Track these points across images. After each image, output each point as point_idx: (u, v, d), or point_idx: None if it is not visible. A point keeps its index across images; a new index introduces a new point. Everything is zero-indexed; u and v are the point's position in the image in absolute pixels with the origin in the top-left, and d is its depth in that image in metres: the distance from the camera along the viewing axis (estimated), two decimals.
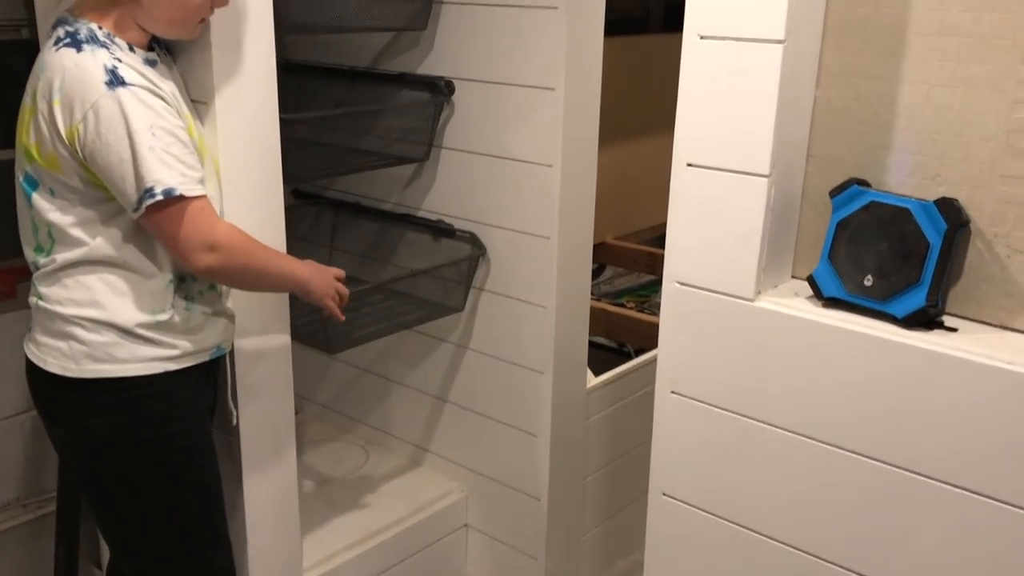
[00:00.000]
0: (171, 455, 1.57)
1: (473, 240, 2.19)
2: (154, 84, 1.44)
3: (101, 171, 1.41)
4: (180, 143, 1.43)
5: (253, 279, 1.60)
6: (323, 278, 1.70)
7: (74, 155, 1.42)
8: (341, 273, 1.76)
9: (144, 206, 1.40)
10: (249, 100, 1.66)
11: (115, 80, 1.38)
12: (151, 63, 1.50)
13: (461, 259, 2.20)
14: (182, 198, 1.42)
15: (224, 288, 1.65)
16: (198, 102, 1.62)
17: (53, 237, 1.49)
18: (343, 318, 1.75)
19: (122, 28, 1.47)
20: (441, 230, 2.24)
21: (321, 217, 2.50)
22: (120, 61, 1.41)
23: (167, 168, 1.40)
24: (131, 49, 1.47)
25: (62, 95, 1.40)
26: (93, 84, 1.38)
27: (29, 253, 1.54)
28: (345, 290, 1.75)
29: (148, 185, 1.39)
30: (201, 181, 1.46)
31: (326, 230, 2.50)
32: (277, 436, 1.84)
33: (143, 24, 1.48)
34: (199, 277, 1.54)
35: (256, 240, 1.57)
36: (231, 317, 1.66)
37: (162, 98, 1.44)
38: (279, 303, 1.79)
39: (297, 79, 2.32)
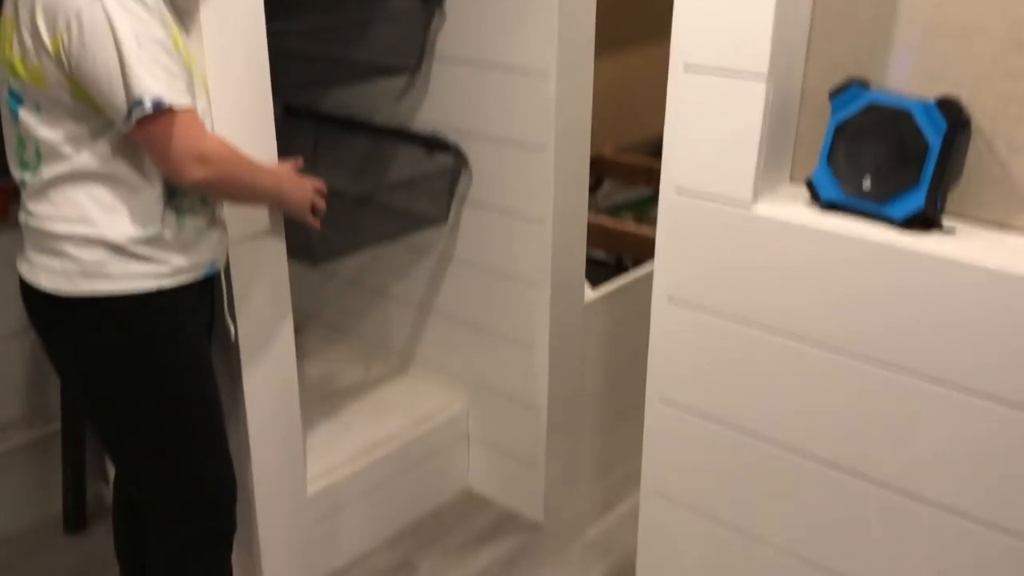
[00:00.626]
0: (169, 372, 1.57)
1: (454, 151, 2.17)
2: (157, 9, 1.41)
3: (88, 82, 1.38)
4: (166, 52, 1.40)
5: (240, 191, 1.60)
6: (301, 191, 1.71)
7: (60, 67, 1.38)
8: (321, 185, 1.76)
9: (134, 118, 1.38)
10: (235, 10, 1.62)
11: None
12: None
13: (440, 171, 2.17)
14: (171, 110, 1.39)
15: (216, 202, 1.63)
16: (184, 13, 1.58)
17: (40, 153, 1.46)
18: (318, 227, 1.76)
19: None
20: (425, 141, 2.21)
21: (310, 131, 2.47)
22: None
23: (154, 79, 1.37)
24: None
25: (44, 4, 1.36)
26: None
27: (16, 171, 1.52)
28: (322, 203, 1.76)
29: (137, 96, 1.36)
30: (187, 92, 1.43)
31: (315, 145, 2.47)
32: (276, 350, 1.85)
33: None
34: (189, 190, 1.52)
35: (241, 152, 1.55)
36: (224, 231, 1.65)
37: (145, 4, 1.39)
38: (274, 213, 1.77)
39: None
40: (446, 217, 2.25)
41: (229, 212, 1.67)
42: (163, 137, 1.41)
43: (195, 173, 1.44)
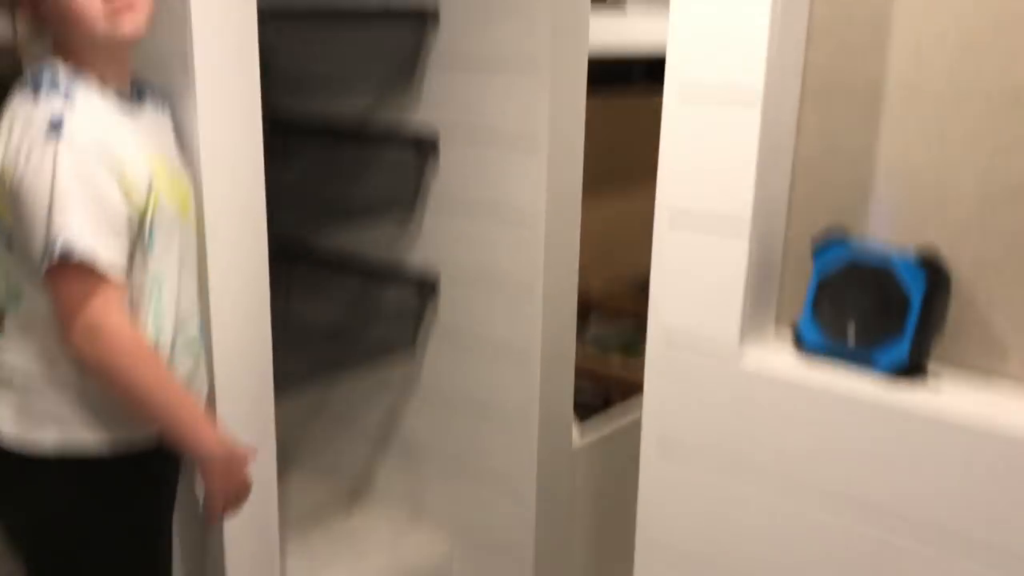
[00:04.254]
0: (122, 535, 1.49)
1: (419, 284, 2.23)
2: (107, 138, 1.37)
3: (17, 222, 1.34)
4: (106, 208, 1.34)
5: (125, 391, 1.40)
6: (230, 467, 1.49)
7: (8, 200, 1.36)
8: (251, 458, 1.55)
9: (47, 263, 1.31)
10: (232, 155, 1.67)
11: (56, 130, 1.31)
12: (129, 109, 1.46)
13: (406, 301, 2.23)
14: (87, 266, 1.32)
15: (189, 367, 1.55)
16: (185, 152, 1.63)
17: (9, 292, 1.43)
18: (215, 522, 1.60)
19: (85, 62, 1.41)
20: (409, 278, 2.26)
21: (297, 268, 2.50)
22: (73, 109, 1.34)
23: (82, 229, 1.31)
24: (100, 88, 1.42)
25: (8, 139, 1.35)
26: (35, 131, 1.32)
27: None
28: (248, 487, 1.54)
29: (55, 241, 1.29)
30: (118, 255, 1.36)
31: (309, 282, 2.50)
32: (258, 492, 1.81)
33: (81, 51, 1.40)
34: (68, 355, 1.40)
35: (156, 362, 1.42)
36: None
37: (110, 153, 1.36)
38: (262, 357, 1.78)
39: (283, 135, 2.33)
40: (412, 345, 2.27)
41: (219, 351, 1.67)
42: (67, 287, 1.33)
43: (76, 342, 1.34)
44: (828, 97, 1.39)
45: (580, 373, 2.32)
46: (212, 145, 1.62)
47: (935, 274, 1.29)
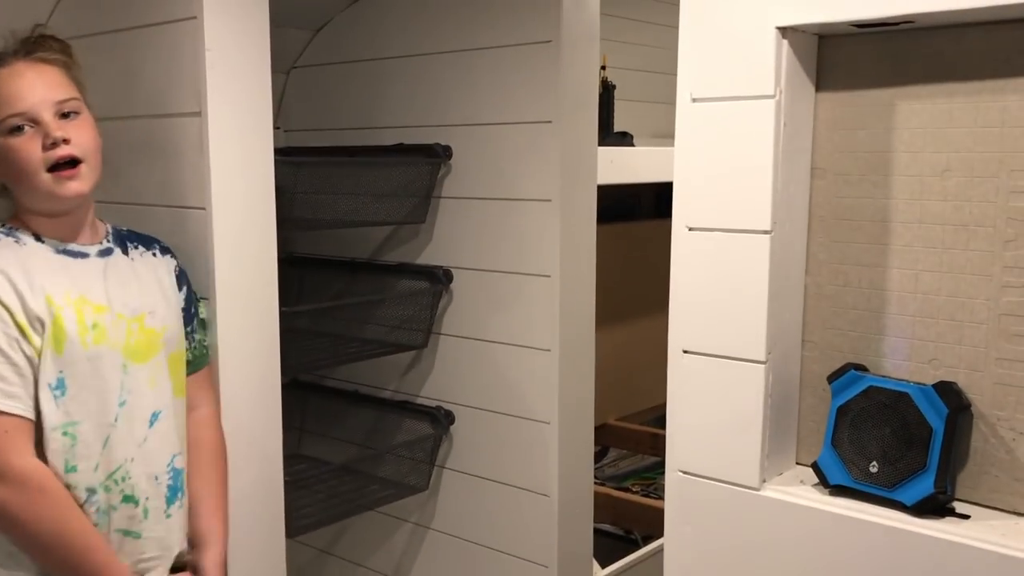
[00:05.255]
0: None
1: (434, 418, 2.20)
2: (11, 273, 1.39)
3: None
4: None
5: (27, 539, 1.37)
6: None
7: None
8: None
9: None
10: (250, 294, 1.69)
11: None
12: (72, 254, 1.48)
13: (420, 439, 2.20)
14: None
15: (123, 521, 1.48)
16: (202, 298, 1.65)
17: None
18: None
19: (22, 217, 1.47)
20: (422, 411, 2.24)
21: (316, 402, 2.49)
22: None
23: None
24: (38, 239, 1.46)
25: None
26: None
27: None
28: None
29: None
30: (16, 392, 1.36)
31: (323, 417, 2.48)
32: None
33: (27, 204, 1.46)
34: None
35: (70, 510, 1.39)
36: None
37: (13, 290, 1.38)
38: (274, 499, 1.74)
39: (299, 271, 2.37)
40: (426, 485, 2.23)
41: (233, 492, 1.65)
42: None
43: None
44: (836, 227, 1.40)
45: (599, 504, 2.26)
46: (227, 283, 1.65)
47: (955, 404, 1.26)
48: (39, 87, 1.43)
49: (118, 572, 1.44)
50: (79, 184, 1.45)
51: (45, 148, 1.41)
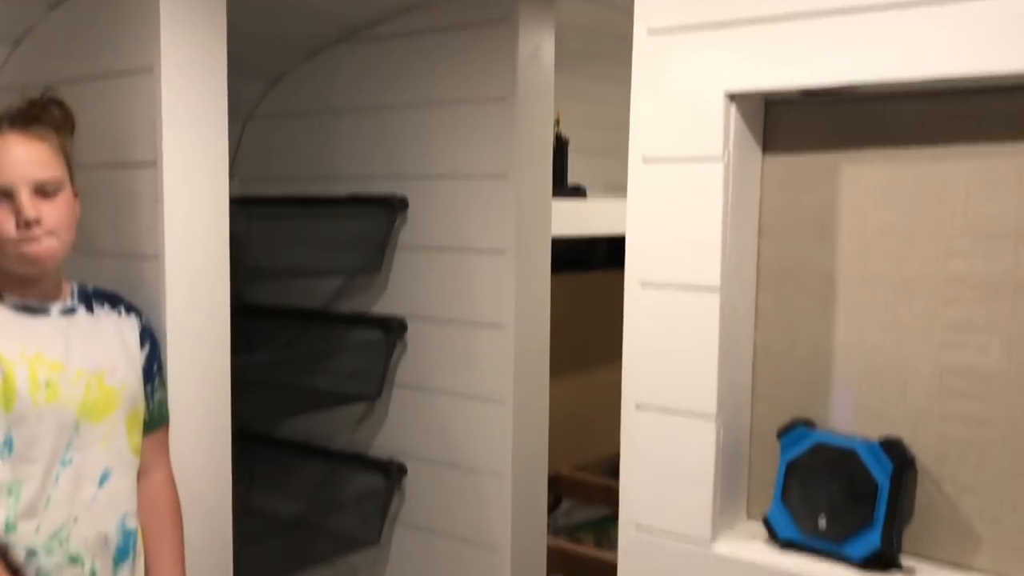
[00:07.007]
0: None
1: (385, 470, 2.18)
2: None
3: None
4: None
5: None
6: None
7: None
8: None
9: None
10: (199, 344, 1.67)
11: None
12: (32, 310, 1.48)
13: (371, 492, 2.17)
14: None
15: None
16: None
17: None
18: None
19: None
20: (373, 462, 2.22)
21: (266, 454, 2.46)
22: None
23: None
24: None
25: None
26: None
27: None
28: None
29: None
30: None
31: (273, 470, 2.45)
32: None
33: None
34: None
35: None
36: None
37: None
38: (222, 551, 1.71)
39: (250, 320, 2.35)
40: (377, 539, 2.20)
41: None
42: None
43: None
44: (783, 285, 1.43)
45: (552, 557, 2.25)
46: (178, 332, 1.63)
47: (900, 460, 1.29)
48: (23, 164, 1.43)
49: None
50: (48, 258, 1.45)
51: (18, 225, 1.42)
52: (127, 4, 1.65)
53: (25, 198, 1.42)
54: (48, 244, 1.44)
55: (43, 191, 1.44)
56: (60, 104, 1.54)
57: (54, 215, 1.45)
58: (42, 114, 1.50)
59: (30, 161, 1.44)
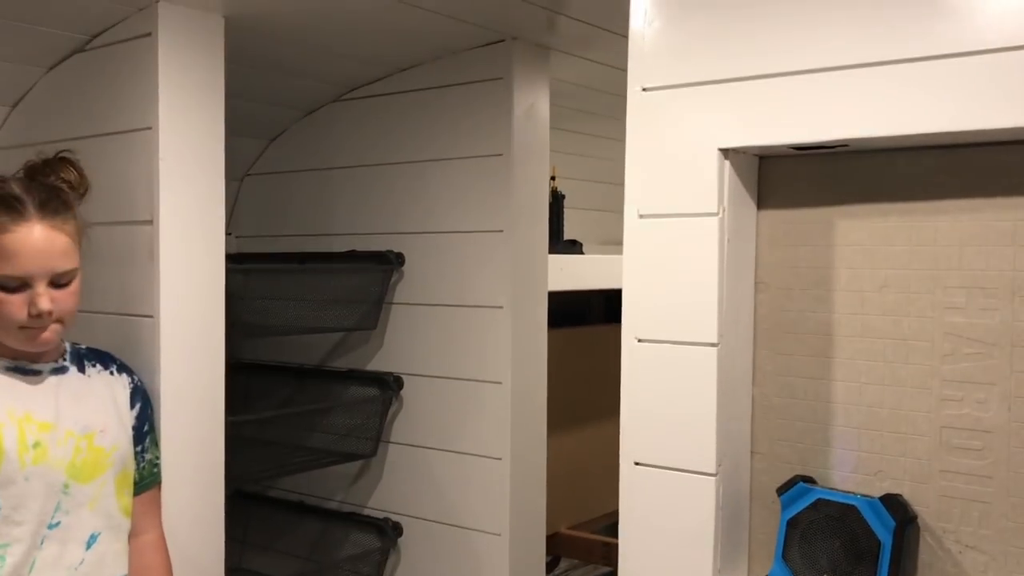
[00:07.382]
0: None
1: (381, 529, 2.15)
2: None
3: None
4: None
5: None
6: None
7: None
8: None
9: None
10: (193, 403, 1.66)
11: None
12: (24, 372, 1.47)
13: (366, 552, 2.14)
14: None
15: None
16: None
17: None
18: None
19: None
20: (359, 519, 2.19)
21: (260, 513, 2.42)
22: None
23: None
24: None
25: None
26: None
27: None
28: None
29: None
30: None
31: (267, 529, 2.41)
32: None
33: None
34: None
35: None
36: None
37: None
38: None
39: (246, 377, 2.34)
40: None
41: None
42: None
43: None
44: (780, 340, 1.43)
45: None
46: (172, 391, 1.62)
47: (902, 517, 1.27)
48: (44, 257, 1.43)
49: None
50: (50, 339, 1.46)
51: (30, 314, 1.42)
52: (126, 64, 1.67)
53: (42, 290, 1.42)
54: (54, 330, 1.45)
55: (58, 282, 1.45)
56: (75, 165, 1.54)
57: (65, 304, 1.46)
58: (58, 209, 1.46)
59: (52, 254, 1.44)
